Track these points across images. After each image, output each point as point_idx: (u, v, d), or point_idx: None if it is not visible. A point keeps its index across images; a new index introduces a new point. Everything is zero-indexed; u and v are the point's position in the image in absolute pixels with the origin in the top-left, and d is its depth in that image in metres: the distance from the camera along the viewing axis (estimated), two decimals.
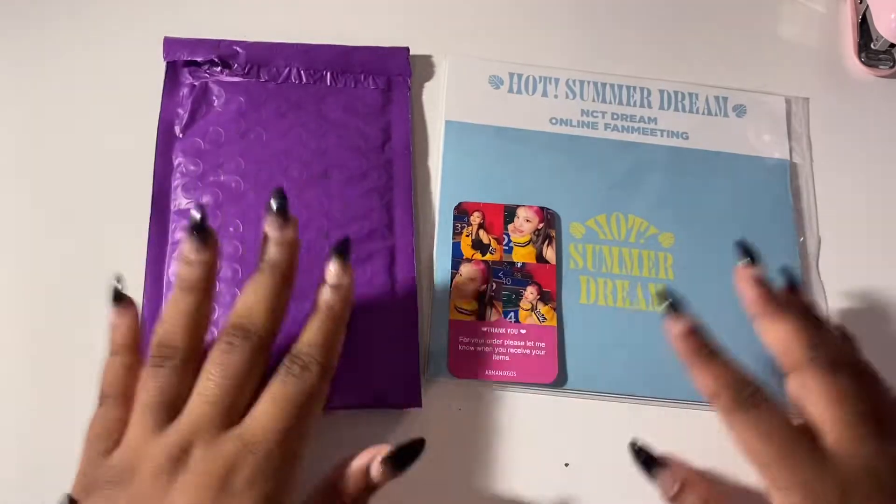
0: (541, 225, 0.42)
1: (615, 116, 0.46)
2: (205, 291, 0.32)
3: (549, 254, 0.42)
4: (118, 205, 0.42)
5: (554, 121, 0.45)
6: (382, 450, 0.32)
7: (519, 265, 0.41)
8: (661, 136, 0.46)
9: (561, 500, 0.38)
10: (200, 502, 0.27)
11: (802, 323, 0.34)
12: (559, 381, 0.39)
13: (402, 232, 0.41)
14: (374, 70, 0.45)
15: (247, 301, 0.32)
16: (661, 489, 0.35)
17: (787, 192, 0.45)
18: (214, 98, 0.43)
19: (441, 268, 0.41)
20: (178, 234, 0.40)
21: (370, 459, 0.32)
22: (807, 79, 0.49)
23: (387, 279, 0.40)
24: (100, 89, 0.45)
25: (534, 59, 0.47)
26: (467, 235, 0.42)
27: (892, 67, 0.50)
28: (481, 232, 0.42)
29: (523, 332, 0.40)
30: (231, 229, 0.40)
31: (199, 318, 0.32)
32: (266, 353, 0.32)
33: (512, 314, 0.40)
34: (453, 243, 0.42)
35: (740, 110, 0.47)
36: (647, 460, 0.35)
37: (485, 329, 0.40)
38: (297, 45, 0.44)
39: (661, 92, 0.47)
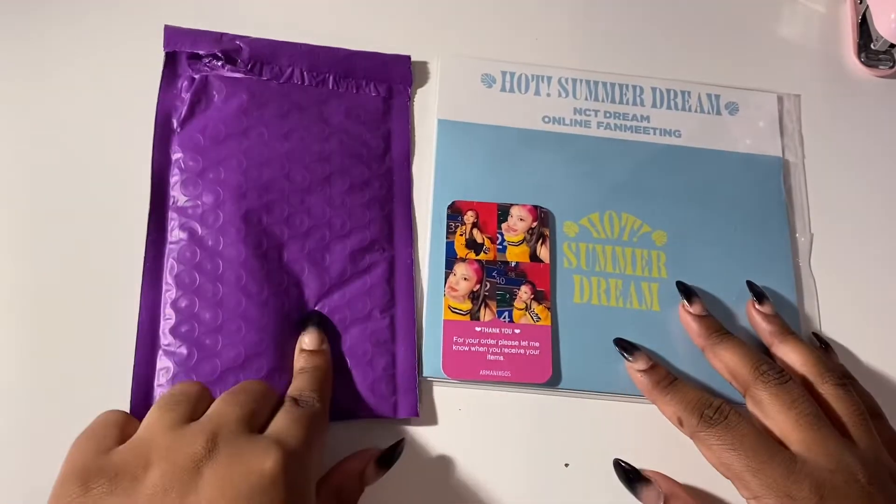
0: (534, 224, 0.42)
1: (608, 115, 0.46)
2: None
3: (543, 253, 0.42)
4: (116, 198, 0.41)
5: (547, 119, 0.45)
6: (373, 453, 0.36)
7: (513, 264, 0.41)
8: (654, 134, 0.46)
9: (560, 500, 0.38)
10: (232, 491, 0.27)
11: (744, 346, 0.37)
12: (553, 381, 0.39)
13: (401, 243, 0.41)
14: (376, 77, 0.44)
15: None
16: (646, 501, 0.36)
17: (780, 190, 0.45)
18: (215, 93, 0.42)
19: (435, 267, 0.41)
20: (179, 233, 0.39)
21: (363, 463, 0.35)
22: (807, 79, 0.49)
23: (386, 290, 0.40)
24: (97, 79, 0.44)
25: (526, 58, 0.47)
26: (461, 235, 0.42)
27: (891, 67, 0.50)
28: (475, 231, 0.42)
29: (517, 331, 0.40)
30: (233, 230, 0.39)
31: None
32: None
33: (506, 314, 0.40)
34: (447, 243, 0.42)
35: (732, 108, 0.47)
36: (632, 477, 0.37)
37: (479, 329, 0.40)
38: (300, 45, 0.44)
39: (654, 90, 0.47)
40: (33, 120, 0.43)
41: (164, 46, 0.43)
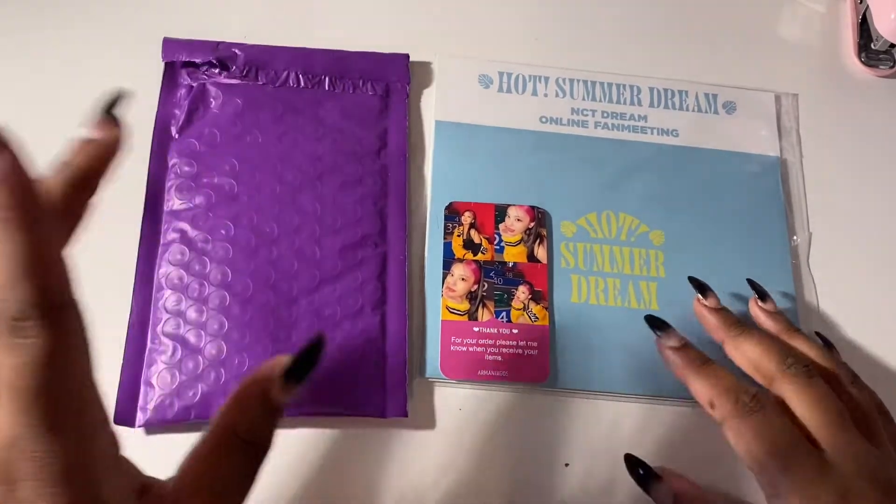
0: (532, 224, 0.42)
1: (605, 115, 0.46)
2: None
3: (541, 253, 0.42)
4: (111, 203, 0.42)
5: (544, 119, 0.45)
6: (276, 365, 0.26)
7: (510, 264, 0.41)
8: (652, 133, 0.46)
9: (560, 500, 0.38)
10: None
11: (767, 337, 0.35)
12: (551, 381, 0.39)
13: (394, 239, 0.41)
14: (373, 76, 0.45)
15: None
16: (657, 498, 0.35)
17: (778, 189, 0.45)
18: (212, 100, 0.43)
19: (432, 268, 0.41)
20: (170, 234, 0.40)
21: (264, 383, 0.26)
22: (806, 78, 0.49)
23: (377, 286, 0.40)
24: (97, 89, 0.44)
25: (523, 58, 0.47)
26: (458, 235, 0.42)
27: (891, 67, 0.50)
28: (472, 232, 0.42)
29: (515, 331, 0.40)
30: (222, 231, 0.40)
31: None
32: None
33: (503, 314, 0.40)
34: (444, 243, 0.42)
35: (730, 107, 0.47)
36: (643, 473, 0.35)
37: (476, 329, 0.40)
38: (295, 48, 0.44)
39: (652, 90, 0.47)
40: (35, 126, 0.43)
41: (163, 57, 0.44)
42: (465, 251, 0.41)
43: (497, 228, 0.42)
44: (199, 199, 0.40)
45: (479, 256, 0.41)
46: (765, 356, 0.34)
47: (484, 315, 0.40)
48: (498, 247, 0.42)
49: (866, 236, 0.45)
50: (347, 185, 0.42)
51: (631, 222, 0.43)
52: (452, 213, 0.42)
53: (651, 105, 0.47)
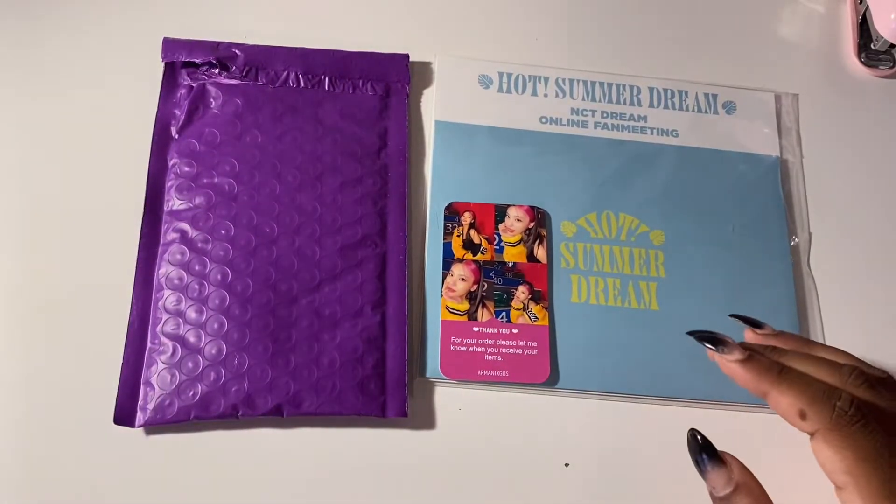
0: (531, 224, 0.42)
1: (605, 115, 0.46)
2: None
3: (540, 253, 0.42)
4: (111, 203, 0.42)
5: (544, 120, 0.45)
6: None
7: (510, 265, 0.41)
8: (652, 133, 0.46)
9: (560, 500, 0.38)
10: None
11: (799, 384, 0.30)
12: (551, 381, 0.39)
13: (394, 239, 0.41)
14: (373, 76, 0.45)
15: None
16: (713, 486, 0.31)
17: (778, 189, 0.45)
18: (212, 100, 0.43)
19: (432, 268, 0.41)
20: (170, 234, 0.40)
21: None
22: (806, 78, 0.49)
23: (377, 286, 0.40)
24: (97, 89, 0.44)
25: (523, 59, 0.47)
26: (458, 235, 0.42)
27: (891, 67, 0.50)
28: (472, 232, 0.42)
29: (515, 331, 0.40)
30: (222, 231, 0.40)
31: None
32: None
33: (503, 314, 0.40)
34: (444, 243, 0.42)
35: (730, 107, 0.47)
36: (706, 453, 0.31)
37: (476, 329, 0.40)
38: (296, 48, 0.44)
39: (651, 90, 0.47)
40: (35, 127, 0.43)
41: (163, 57, 0.44)
42: (464, 251, 0.41)
43: (497, 228, 0.42)
44: (199, 199, 0.40)
45: (479, 256, 0.41)
46: (805, 407, 0.29)
47: (484, 315, 0.40)
48: (498, 247, 0.42)
49: (866, 236, 0.45)
50: (347, 184, 0.42)
51: (631, 222, 0.43)
52: (452, 214, 0.42)
53: (651, 105, 0.47)
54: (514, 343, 0.40)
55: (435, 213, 0.42)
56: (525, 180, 0.44)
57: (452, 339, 0.40)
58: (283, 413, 0.37)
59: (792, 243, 0.44)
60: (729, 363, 0.31)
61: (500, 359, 0.39)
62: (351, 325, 0.39)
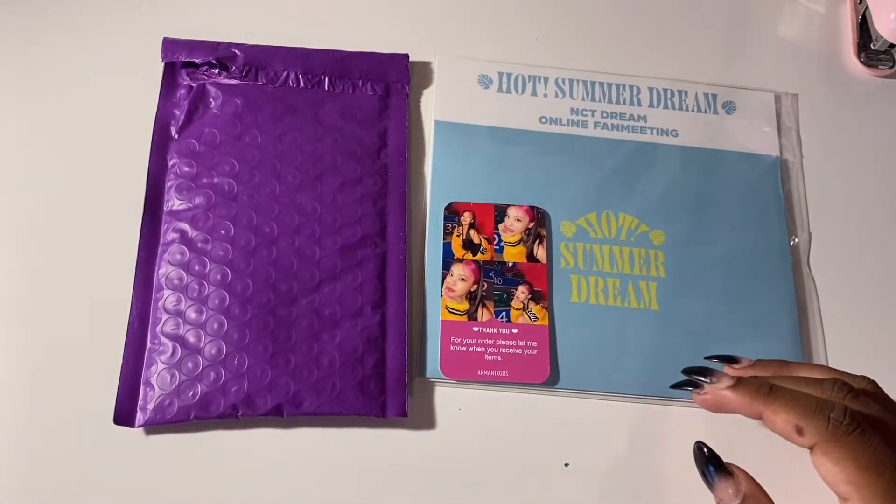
0: (531, 224, 0.42)
1: (605, 115, 0.46)
2: None
3: (540, 253, 0.42)
4: (111, 203, 0.42)
5: (544, 120, 0.45)
6: None
7: (510, 265, 0.41)
8: (651, 133, 0.46)
9: (560, 500, 0.38)
10: None
11: (792, 400, 0.30)
12: (551, 381, 0.39)
13: (394, 239, 0.41)
14: (373, 76, 0.45)
15: None
16: (721, 498, 0.31)
17: (778, 189, 0.45)
18: (211, 100, 0.43)
19: (432, 268, 0.41)
20: (170, 234, 0.40)
21: None
22: (806, 78, 0.49)
23: (377, 286, 0.40)
24: (97, 88, 0.45)
25: (523, 58, 0.47)
26: (458, 235, 0.42)
27: (891, 68, 0.50)
28: (472, 232, 0.42)
29: (515, 331, 0.40)
30: (222, 231, 0.40)
31: None
32: None
33: (503, 314, 0.40)
34: (444, 243, 0.42)
35: (730, 107, 0.47)
36: (713, 465, 0.31)
37: (476, 329, 0.40)
38: (295, 49, 0.44)
39: (651, 90, 0.47)
40: (35, 127, 0.43)
41: (163, 57, 0.44)
42: (464, 251, 0.41)
43: (496, 228, 0.42)
44: (198, 199, 0.40)
45: (479, 256, 0.41)
46: (800, 421, 0.29)
47: (483, 315, 0.40)
48: (497, 247, 0.42)
49: (866, 236, 0.45)
50: (347, 184, 0.42)
51: (631, 222, 0.43)
52: (452, 214, 0.42)
53: (651, 105, 0.47)
54: (514, 343, 0.40)
55: (435, 213, 0.42)
56: (525, 180, 0.44)
57: (452, 339, 0.40)
58: (283, 413, 0.37)
59: (792, 243, 0.44)
60: (719, 392, 0.31)
61: (499, 359, 0.39)
62: (351, 325, 0.39)
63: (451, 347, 0.39)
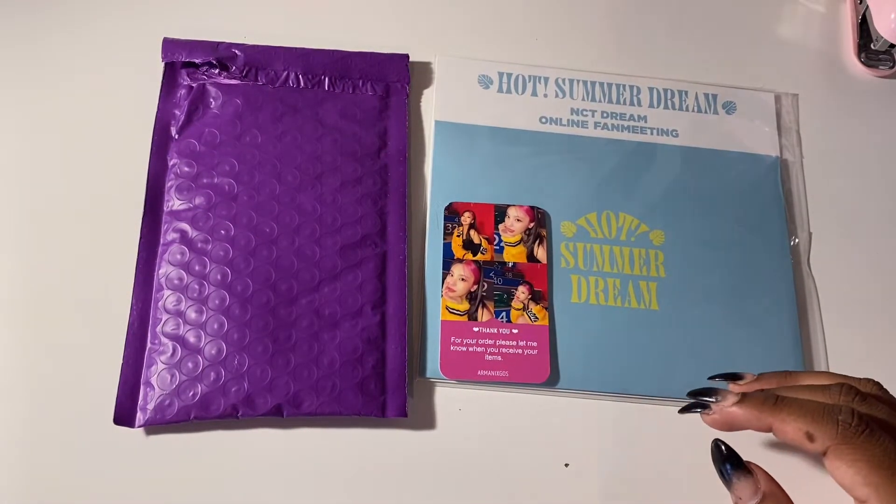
0: (531, 224, 0.42)
1: (605, 115, 0.46)
2: None
3: (540, 253, 0.42)
4: (111, 203, 0.42)
5: (544, 120, 0.45)
6: None
7: (510, 265, 0.41)
8: (651, 133, 0.46)
9: (560, 500, 0.38)
10: None
11: (799, 408, 0.30)
12: (552, 381, 0.39)
13: (394, 239, 0.41)
14: (373, 76, 0.45)
15: None
16: (739, 496, 0.31)
17: (778, 189, 0.45)
18: (211, 100, 0.43)
19: (432, 268, 0.41)
20: (170, 234, 0.40)
21: None
22: (806, 78, 0.49)
23: (377, 286, 0.40)
24: (98, 89, 0.45)
25: (523, 58, 0.47)
26: (458, 236, 0.42)
27: (891, 68, 0.50)
28: (472, 232, 0.42)
29: (515, 331, 0.40)
30: (222, 232, 0.40)
31: None
32: None
33: (503, 314, 0.40)
34: (444, 244, 0.42)
35: (730, 107, 0.47)
36: (731, 463, 0.31)
37: (476, 329, 0.40)
38: (295, 49, 0.45)
39: (651, 90, 0.47)
40: (35, 127, 0.43)
41: (163, 57, 0.44)
42: (464, 251, 0.41)
43: (497, 229, 0.42)
44: (199, 200, 0.40)
45: (479, 257, 0.41)
46: (810, 427, 0.29)
47: (484, 315, 0.40)
48: (497, 247, 0.42)
49: (866, 236, 0.45)
50: (347, 184, 0.42)
51: (631, 222, 0.43)
52: (452, 214, 0.42)
53: (651, 105, 0.47)
54: (514, 343, 0.40)
55: (435, 213, 0.42)
56: (525, 180, 0.44)
57: (452, 339, 0.40)
58: (283, 413, 0.37)
59: (792, 243, 0.44)
60: (727, 409, 0.31)
61: (500, 359, 0.39)
62: (351, 325, 0.39)
63: (452, 347, 0.39)
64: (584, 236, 0.43)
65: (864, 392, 0.30)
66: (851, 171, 0.47)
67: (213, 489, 0.36)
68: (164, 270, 0.39)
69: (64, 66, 0.45)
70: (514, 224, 0.42)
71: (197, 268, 0.39)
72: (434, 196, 0.43)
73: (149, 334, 0.38)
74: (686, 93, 0.47)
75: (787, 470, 0.30)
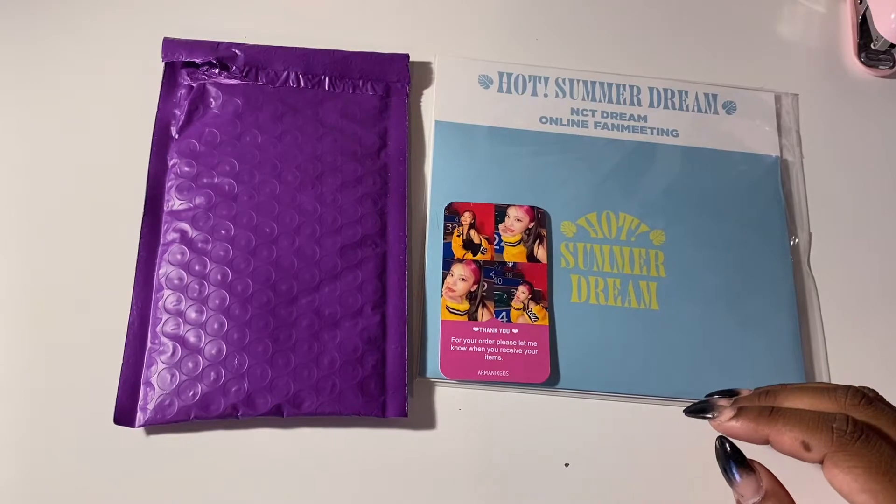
0: (531, 224, 0.42)
1: (605, 115, 0.46)
2: None
3: (541, 253, 0.42)
4: (111, 203, 0.42)
5: (544, 120, 0.45)
6: None
7: (510, 265, 0.41)
8: (652, 133, 0.46)
9: (560, 500, 0.38)
10: None
11: (793, 418, 0.30)
12: (552, 381, 0.39)
13: (394, 238, 0.41)
14: (373, 76, 0.45)
15: None
16: (742, 494, 0.30)
17: (778, 189, 0.45)
18: (212, 100, 0.43)
19: (432, 268, 0.41)
20: (170, 234, 0.40)
21: None
22: (806, 78, 0.49)
23: (377, 286, 0.40)
24: (98, 89, 0.45)
25: (523, 59, 0.47)
26: (458, 235, 0.42)
27: (891, 67, 0.50)
28: (472, 232, 0.42)
29: (515, 331, 0.40)
30: (223, 231, 0.40)
31: None
32: None
33: (503, 314, 0.40)
34: (444, 244, 0.42)
35: (730, 107, 0.47)
36: (735, 460, 0.30)
37: (476, 329, 0.40)
38: (296, 49, 0.45)
39: (651, 90, 0.47)
40: (35, 127, 0.43)
41: (163, 57, 0.44)
42: (464, 251, 0.41)
43: (497, 228, 0.42)
44: (199, 199, 0.40)
45: (479, 256, 0.41)
46: (807, 437, 0.29)
47: (484, 315, 0.40)
48: (498, 247, 0.42)
49: (866, 236, 0.45)
50: (347, 184, 0.42)
51: (631, 222, 0.43)
52: (452, 214, 0.42)
53: (651, 105, 0.47)
54: (514, 343, 0.40)
55: (435, 213, 0.42)
56: (525, 180, 0.44)
57: (452, 339, 0.40)
58: (283, 413, 0.37)
59: (792, 243, 0.44)
60: (724, 424, 0.31)
61: (500, 359, 0.39)
62: (351, 324, 0.39)
63: (452, 347, 0.39)
64: (584, 236, 0.43)
65: (870, 395, 0.30)
66: (851, 171, 0.47)
67: (213, 489, 0.36)
68: (164, 270, 0.39)
69: (64, 66, 0.45)
70: (515, 224, 0.42)
71: (197, 268, 0.39)
72: (434, 196, 0.43)
73: (149, 334, 0.38)
74: (686, 93, 0.47)
75: (789, 470, 0.30)
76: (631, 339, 0.40)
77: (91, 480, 0.36)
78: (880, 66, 0.50)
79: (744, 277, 0.42)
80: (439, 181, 0.43)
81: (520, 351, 0.40)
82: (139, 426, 0.36)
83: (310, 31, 0.47)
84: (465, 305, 0.40)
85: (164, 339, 0.38)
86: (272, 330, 0.38)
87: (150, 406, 0.36)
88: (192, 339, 0.38)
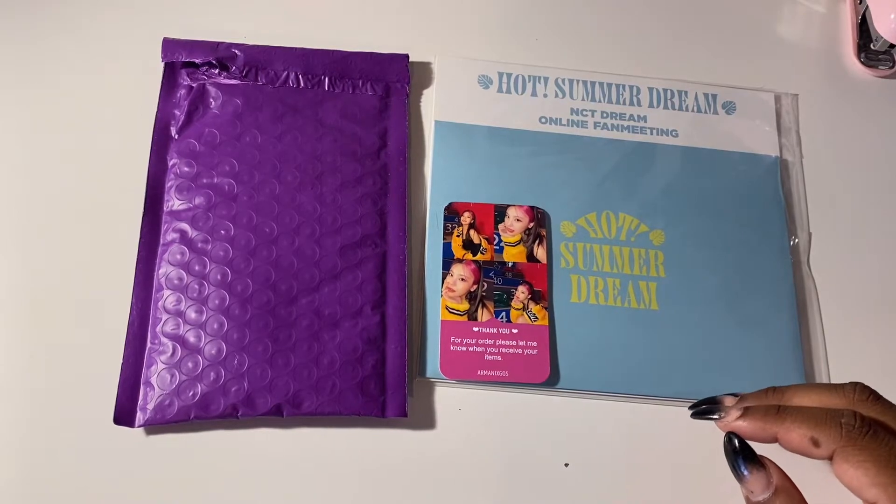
0: (531, 224, 0.42)
1: (605, 115, 0.46)
2: None
3: (540, 253, 0.42)
4: (111, 203, 0.42)
5: (543, 120, 0.45)
6: None
7: (510, 265, 0.41)
8: (651, 133, 0.46)
9: (560, 500, 0.38)
10: None
11: (801, 415, 0.30)
12: (552, 381, 0.39)
13: (394, 239, 0.41)
14: (373, 76, 0.45)
15: None
16: (751, 490, 0.30)
17: (778, 189, 0.45)
18: (211, 100, 0.43)
19: (432, 268, 0.41)
20: (170, 234, 0.40)
21: None
22: (805, 78, 0.49)
23: (377, 286, 0.40)
24: (98, 89, 0.45)
25: (523, 59, 0.47)
26: (458, 236, 0.42)
27: (891, 68, 0.50)
28: (472, 232, 0.42)
29: (515, 331, 0.40)
30: (222, 232, 0.40)
31: None
32: None
33: (503, 314, 0.40)
34: (444, 244, 0.42)
35: (730, 107, 0.47)
36: (745, 456, 0.30)
37: (476, 329, 0.40)
38: (295, 49, 0.45)
39: (651, 90, 0.47)
40: (35, 127, 0.43)
41: (163, 57, 0.44)
42: (464, 251, 0.41)
43: (496, 229, 0.42)
44: (198, 200, 0.40)
45: (479, 256, 0.41)
46: (816, 433, 0.29)
47: (483, 315, 0.40)
48: (497, 247, 0.42)
49: (866, 236, 0.45)
50: (347, 184, 0.42)
51: (631, 222, 0.43)
52: (452, 214, 0.42)
53: (651, 105, 0.47)
54: (514, 343, 0.40)
55: (435, 213, 0.42)
56: (525, 180, 0.44)
57: (452, 339, 0.40)
58: (283, 413, 0.37)
59: (792, 243, 0.44)
60: (731, 424, 0.31)
61: (499, 359, 0.39)
62: (351, 324, 0.39)
63: (451, 347, 0.39)
64: (583, 236, 0.43)
65: (877, 393, 0.30)
66: (851, 171, 0.47)
67: (213, 489, 0.36)
68: (164, 270, 0.39)
69: (64, 66, 0.45)
70: (514, 224, 0.42)
71: (197, 268, 0.39)
72: (434, 196, 0.43)
73: (149, 334, 0.38)
74: (686, 93, 0.47)
75: (799, 467, 0.30)
76: (631, 339, 0.40)
77: (91, 480, 0.36)
78: (880, 67, 0.50)
79: (743, 277, 0.42)
80: (439, 181, 0.43)
81: (519, 351, 0.40)
82: (139, 426, 0.36)
83: (310, 31, 0.47)
84: (465, 305, 0.40)
85: (164, 339, 0.38)
86: (272, 330, 0.38)
87: (150, 406, 0.36)
88: (191, 339, 0.38)
